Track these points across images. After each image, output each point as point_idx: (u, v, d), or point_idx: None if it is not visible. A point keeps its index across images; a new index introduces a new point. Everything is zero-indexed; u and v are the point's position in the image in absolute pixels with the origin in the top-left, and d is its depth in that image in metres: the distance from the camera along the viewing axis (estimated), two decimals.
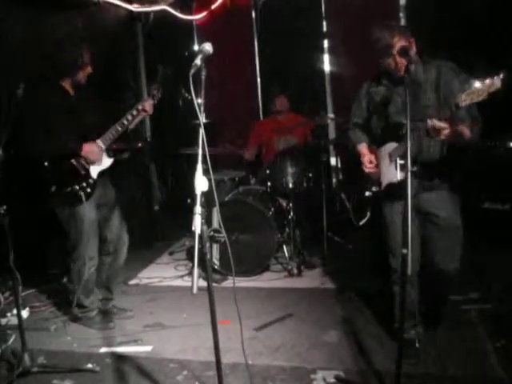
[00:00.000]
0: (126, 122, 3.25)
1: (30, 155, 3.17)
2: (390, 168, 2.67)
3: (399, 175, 2.54)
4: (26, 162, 3.20)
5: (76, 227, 3.22)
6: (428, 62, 2.68)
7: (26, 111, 3.09)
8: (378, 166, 2.83)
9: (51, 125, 3.09)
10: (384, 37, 2.59)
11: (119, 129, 3.25)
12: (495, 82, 1.98)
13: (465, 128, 2.39)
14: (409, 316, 2.83)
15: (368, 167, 2.85)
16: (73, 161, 3.16)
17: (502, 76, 1.96)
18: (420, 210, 2.71)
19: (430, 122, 2.36)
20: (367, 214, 2.86)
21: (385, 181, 2.75)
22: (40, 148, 3.11)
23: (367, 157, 2.87)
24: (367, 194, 2.88)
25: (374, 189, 2.86)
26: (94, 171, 3.24)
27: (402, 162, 2.55)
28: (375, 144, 2.91)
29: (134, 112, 3.27)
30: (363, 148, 2.95)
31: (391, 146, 2.70)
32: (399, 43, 2.55)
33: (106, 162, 3.30)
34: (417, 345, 2.85)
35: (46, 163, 3.12)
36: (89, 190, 3.19)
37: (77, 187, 3.16)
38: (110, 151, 3.32)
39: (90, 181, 3.21)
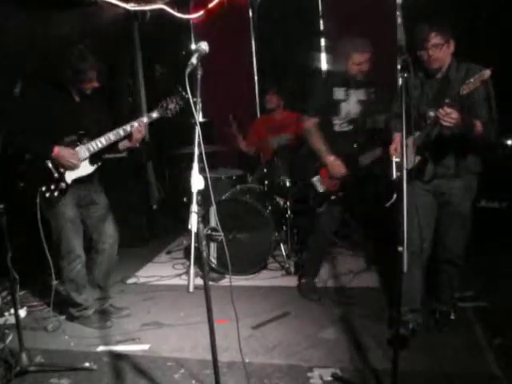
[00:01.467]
0: (112, 137, 3.21)
1: (13, 150, 3.16)
2: (411, 155, 2.77)
3: (395, 174, 2.57)
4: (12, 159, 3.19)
5: (55, 225, 3.21)
6: (461, 62, 2.80)
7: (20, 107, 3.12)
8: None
9: (38, 124, 3.07)
10: (422, 29, 2.71)
11: (104, 142, 3.20)
12: (486, 72, 2.36)
13: (478, 122, 2.61)
14: (410, 300, 2.91)
15: (391, 154, 2.94)
16: (48, 162, 3.12)
17: (491, 68, 2.36)
18: (436, 194, 2.91)
19: (439, 109, 2.51)
20: (393, 197, 2.95)
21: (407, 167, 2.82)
22: (19, 145, 3.10)
23: (394, 145, 2.95)
24: (394, 177, 2.97)
25: (398, 173, 2.93)
26: (69, 177, 3.18)
27: (398, 159, 2.59)
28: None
29: (128, 128, 3.22)
30: (396, 137, 3.01)
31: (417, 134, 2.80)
32: (435, 39, 2.67)
33: (85, 169, 3.23)
34: (410, 325, 2.93)
35: (24, 160, 3.11)
36: (56, 193, 3.13)
37: (44, 188, 3.11)
38: (94, 159, 3.25)
39: (62, 184, 3.15)
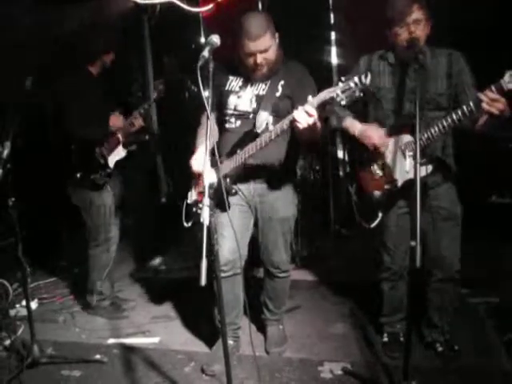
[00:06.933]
0: (139, 114, 3.37)
1: (76, 140, 3.24)
2: (405, 164, 2.48)
3: (408, 167, 2.46)
4: (45, 152, 3.25)
5: (97, 213, 3.29)
6: (433, 47, 2.49)
7: (63, 99, 3.21)
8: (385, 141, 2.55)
9: (90, 110, 3.18)
10: (401, 2, 2.40)
11: (134, 122, 3.36)
12: None
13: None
14: (396, 310, 2.84)
15: (378, 139, 2.53)
16: (96, 149, 3.25)
17: None
18: (425, 206, 2.52)
19: (481, 96, 2.11)
20: (378, 215, 2.57)
21: (401, 179, 2.51)
22: (83, 133, 3.19)
23: (373, 130, 2.55)
24: (377, 193, 2.59)
25: (386, 186, 2.56)
26: (112, 161, 3.33)
27: (411, 153, 2.45)
28: None
29: (142, 110, 3.38)
30: (355, 122, 2.63)
31: (403, 138, 2.48)
32: (417, 13, 2.35)
33: (122, 152, 3.41)
34: (401, 339, 2.83)
35: (72, 149, 3.23)
36: (106, 178, 3.29)
37: (98, 175, 3.25)
38: (125, 143, 3.43)
39: (108, 170, 3.31)
